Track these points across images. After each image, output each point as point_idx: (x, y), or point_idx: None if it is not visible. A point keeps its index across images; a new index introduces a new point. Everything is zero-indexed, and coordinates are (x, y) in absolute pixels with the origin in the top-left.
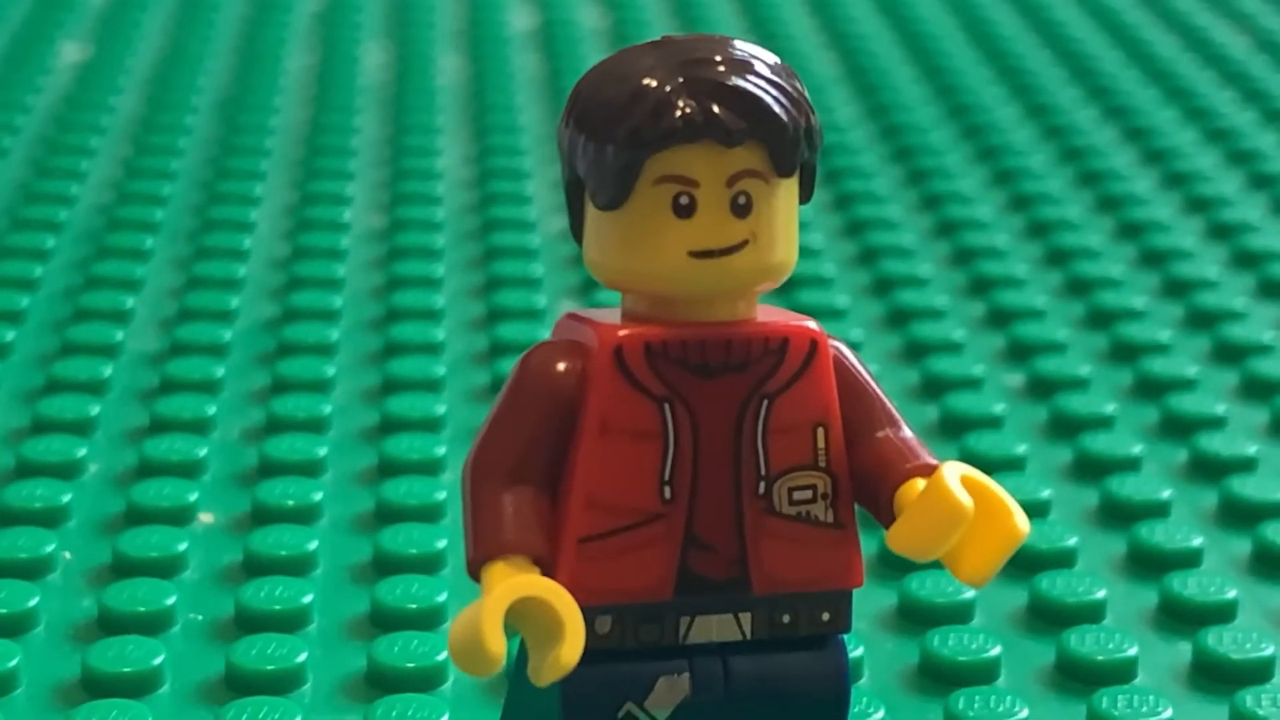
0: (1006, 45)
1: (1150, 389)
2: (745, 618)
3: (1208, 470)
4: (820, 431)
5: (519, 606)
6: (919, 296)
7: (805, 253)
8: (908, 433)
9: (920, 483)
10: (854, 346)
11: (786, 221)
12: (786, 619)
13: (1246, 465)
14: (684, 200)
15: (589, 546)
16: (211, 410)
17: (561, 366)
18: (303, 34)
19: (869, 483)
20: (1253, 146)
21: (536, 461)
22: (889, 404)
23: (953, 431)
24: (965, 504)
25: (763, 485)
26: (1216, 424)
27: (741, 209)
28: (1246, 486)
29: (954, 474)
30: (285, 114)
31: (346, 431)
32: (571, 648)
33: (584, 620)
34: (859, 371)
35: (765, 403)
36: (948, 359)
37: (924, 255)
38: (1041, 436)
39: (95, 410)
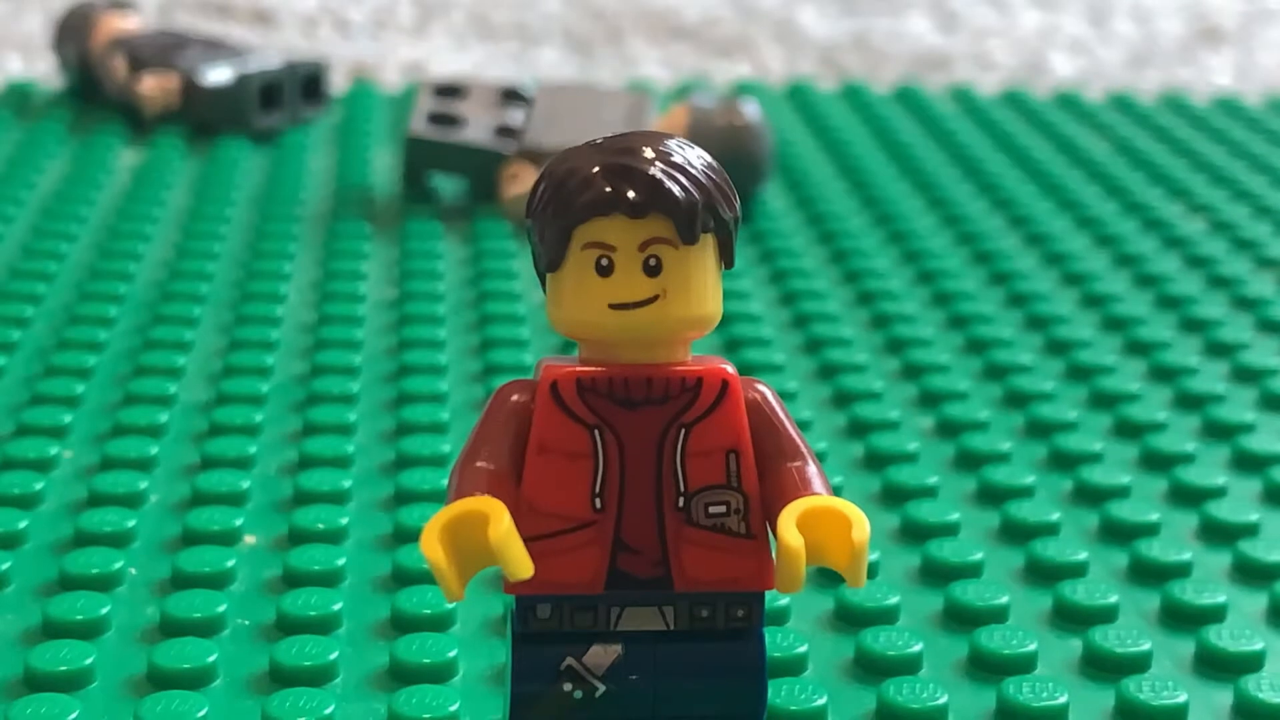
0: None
1: (1063, 462)
2: (669, 611)
3: (1118, 534)
4: (733, 457)
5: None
6: (845, 354)
7: (747, 318)
8: (811, 467)
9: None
10: (787, 394)
11: (700, 281)
12: (705, 614)
13: (1151, 530)
14: (604, 262)
15: (531, 545)
16: (253, 449)
17: (515, 397)
18: (323, 142)
19: (770, 506)
20: (1135, 250)
21: (501, 465)
22: (798, 440)
23: (876, 465)
24: (790, 544)
25: (681, 500)
26: (1123, 493)
27: (652, 270)
28: (1153, 549)
29: (789, 516)
30: (309, 205)
31: (367, 467)
32: (496, 527)
33: (527, 607)
34: (773, 411)
35: (683, 431)
36: (870, 405)
37: (848, 320)
38: (971, 504)
39: (154, 450)
